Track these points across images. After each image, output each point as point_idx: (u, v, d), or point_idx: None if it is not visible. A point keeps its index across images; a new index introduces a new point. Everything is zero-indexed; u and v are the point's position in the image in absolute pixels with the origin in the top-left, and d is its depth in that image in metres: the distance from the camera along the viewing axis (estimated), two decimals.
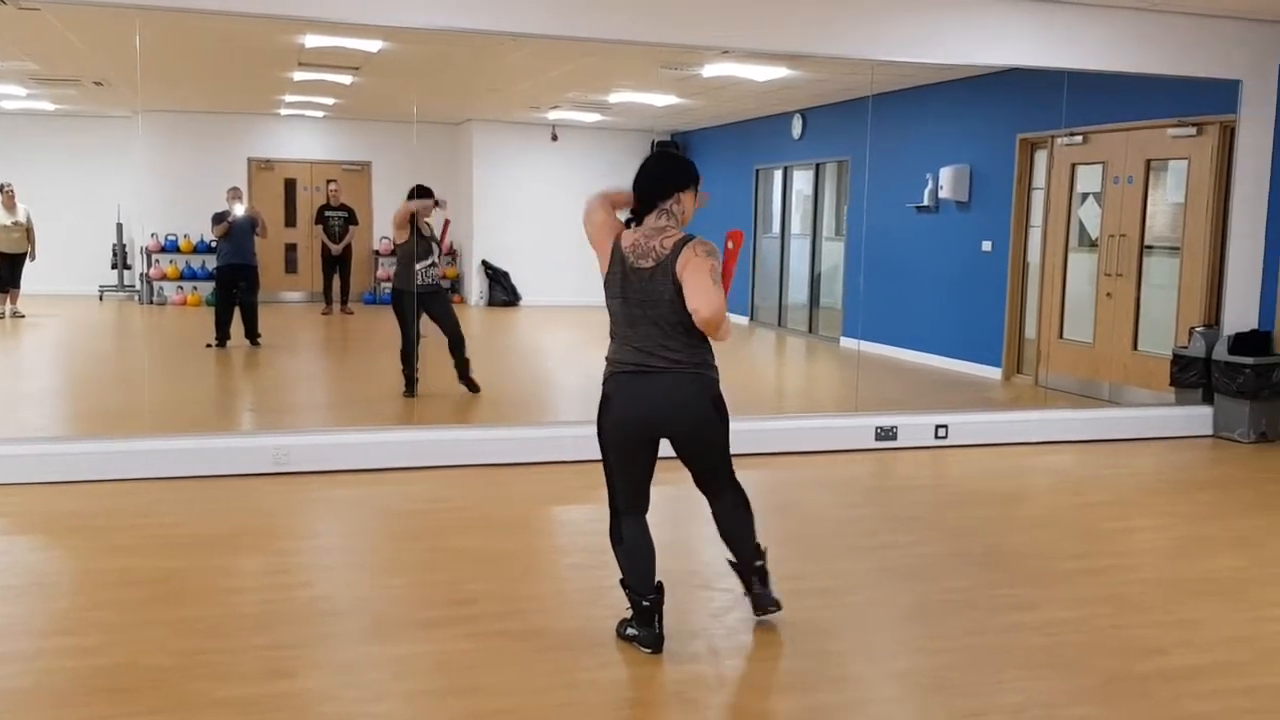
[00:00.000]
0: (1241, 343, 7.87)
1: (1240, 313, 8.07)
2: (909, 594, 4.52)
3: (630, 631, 3.88)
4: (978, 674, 3.72)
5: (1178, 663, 3.86)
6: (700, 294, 3.55)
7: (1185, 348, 8.25)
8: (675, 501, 6.22)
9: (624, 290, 3.71)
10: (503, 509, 5.81)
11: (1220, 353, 7.92)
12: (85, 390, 9.11)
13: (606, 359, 3.80)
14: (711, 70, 9.23)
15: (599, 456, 3.86)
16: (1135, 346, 9.00)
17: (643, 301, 3.67)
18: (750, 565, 4.08)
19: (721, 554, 5.16)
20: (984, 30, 7.26)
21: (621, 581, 3.90)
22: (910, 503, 6.17)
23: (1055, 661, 3.83)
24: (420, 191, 8.39)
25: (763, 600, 4.08)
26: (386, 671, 3.66)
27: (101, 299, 11.15)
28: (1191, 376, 8.14)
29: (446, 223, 8.71)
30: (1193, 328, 8.29)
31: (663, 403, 3.72)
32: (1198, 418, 8.09)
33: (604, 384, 3.78)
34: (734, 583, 4.61)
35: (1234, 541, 5.45)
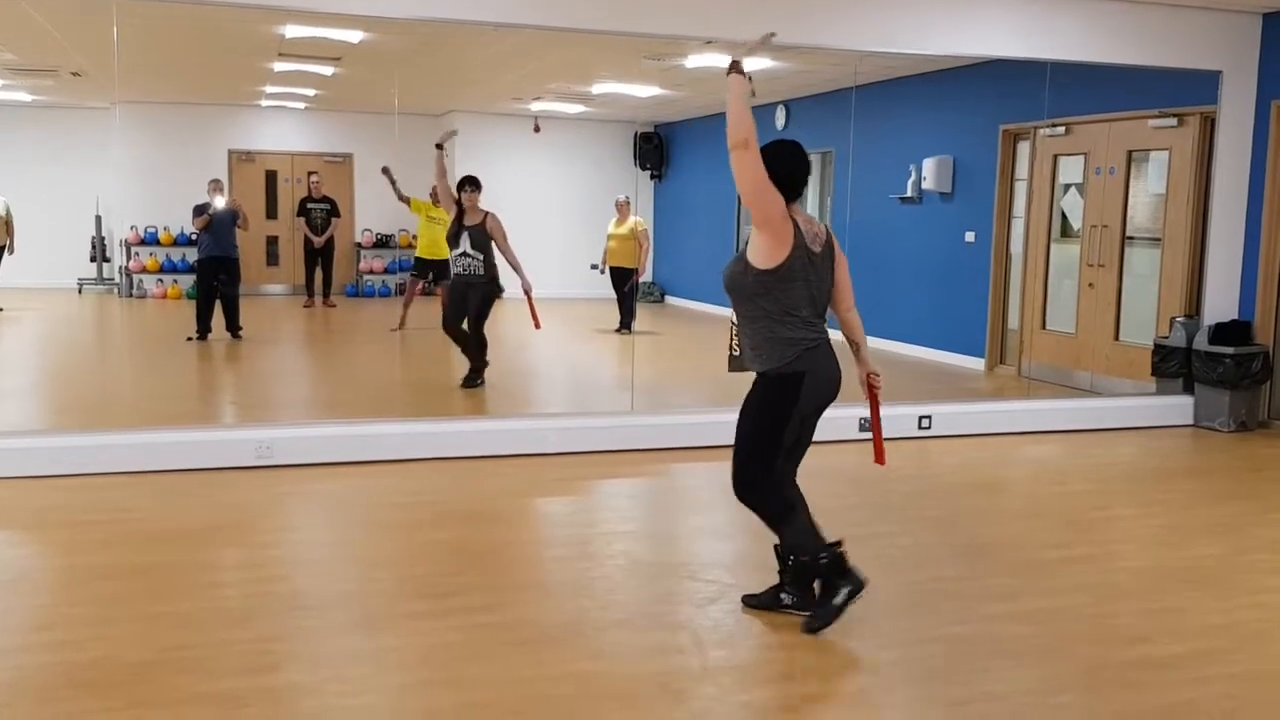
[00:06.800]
0: (1221, 333, 7.91)
1: (1220, 303, 8.10)
2: (893, 584, 4.53)
3: (839, 598, 3.93)
4: (962, 663, 3.73)
5: (1160, 651, 3.88)
6: (853, 295, 4.04)
7: (1166, 338, 8.29)
8: (660, 492, 6.23)
9: (806, 273, 3.84)
10: (485, 501, 5.79)
11: (1201, 343, 7.96)
12: (65, 384, 9.04)
13: (790, 339, 3.83)
14: (695, 61, 9.20)
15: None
16: (1117, 337, 9.04)
17: (820, 282, 3.90)
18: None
19: (705, 547, 5.18)
20: (967, 22, 7.26)
21: (798, 552, 3.94)
22: (894, 493, 6.18)
23: (1039, 650, 3.84)
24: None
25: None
26: (369, 664, 3.64)
27: (80, 292, 11.08)
28: (1172, 366, 8.18)
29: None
30: (1173, 318, 8.33)
31: (838, 371, 3.97)
32: (1178, 407, 8.13)
33: (794, 361, 3.83)
34: (719, 573, 4.63)
35: (1214, 530, 5.48)
